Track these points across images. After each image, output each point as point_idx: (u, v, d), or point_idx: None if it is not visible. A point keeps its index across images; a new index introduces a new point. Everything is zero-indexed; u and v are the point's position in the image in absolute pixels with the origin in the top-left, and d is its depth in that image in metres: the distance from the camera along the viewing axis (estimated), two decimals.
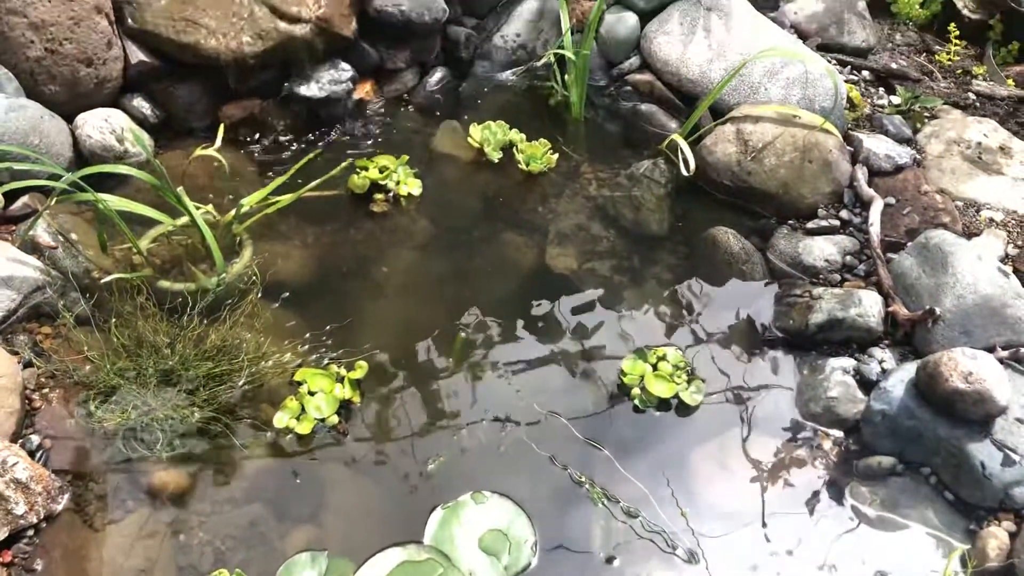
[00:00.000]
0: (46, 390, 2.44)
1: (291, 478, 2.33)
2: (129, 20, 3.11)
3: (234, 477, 2.34)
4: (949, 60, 3.80)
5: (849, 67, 3.66)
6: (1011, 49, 3.83)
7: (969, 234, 2.91)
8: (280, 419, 2.41)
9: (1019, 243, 2.92)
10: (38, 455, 2.27)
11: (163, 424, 2.37)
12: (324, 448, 2.39)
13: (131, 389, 2.43)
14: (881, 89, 3.61)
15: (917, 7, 3.97)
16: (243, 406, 2.46)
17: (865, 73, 3.65)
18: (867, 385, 2.49)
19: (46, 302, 2.60)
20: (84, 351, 2.50)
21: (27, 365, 2.46)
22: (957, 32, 3.85)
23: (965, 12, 3.94)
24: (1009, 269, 2.63)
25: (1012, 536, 2.19)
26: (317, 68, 3.28)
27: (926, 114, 3.46)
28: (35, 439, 2.30)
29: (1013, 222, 3.00)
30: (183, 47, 3.09)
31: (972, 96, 3.60)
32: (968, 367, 2.22)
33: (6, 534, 2.07)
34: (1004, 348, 2.47)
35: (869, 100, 3.50)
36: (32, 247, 2.71)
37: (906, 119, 3.39)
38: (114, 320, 2.56)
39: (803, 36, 3.72)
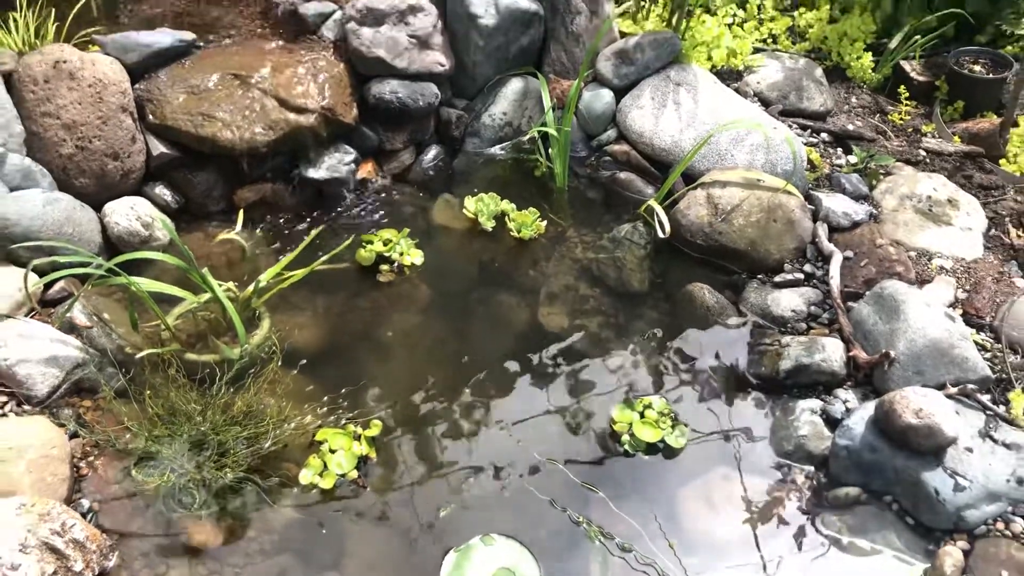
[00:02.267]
0: (91, 458, 2.68)
1: (317, 529, 2.58)
2: (150, 116, 3.41)
3: (265, 531, 2.58)
4: (901, 119, 4.13)
5: (809, 130, 3.98)
6: (956, 107, 4.17)
7: (921, 281, 3.21)
8: (305, 476, 2.66)
9: (967, 288, 3.21)
10: (88, 517, 2.51)
11: (199, 485, 2.62)
12: (345, 501, 2.64)
13: (168, 454, 2.67)
14: (839, 149, 3.94)
15: (870, 72, 4.31)
16: (270, 465, 2.71)
17: (824, 135, 3.98)
18: (833, 423, 2.76)
19: (86, 377, 2.86)
20: (123, 421, 2.75)
21: (73, 436, 2.71)
22: (907, 93, 4.19)
23: (913, 75, 4.29)
24: (956, 313, 2.92)
25: (966, 554, 2.45)
26: (322, 152, 3.59)
27: (881, 171, 3.77)
28: (85, 503, 2.55)
29: (961, 268, 3.30)
30: (201, 139, 3.39)
31: (923, 153, 3.93)
32: (918, 404, 2.50)
33: None
34: (953, 385, 2.75)
35: (828, 161, 3.82)
36: (70, 327, 2.98)
37: (863, 176, 3.71)
38: (148, 392, 2.81)
39: (765, 103, 4.05)
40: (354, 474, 2.68)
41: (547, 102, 3.78)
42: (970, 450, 2.58)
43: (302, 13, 3.69)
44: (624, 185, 3.78)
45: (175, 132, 3.42)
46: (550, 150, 3.80)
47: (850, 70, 4.34)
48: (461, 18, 3.76)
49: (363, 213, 3.65)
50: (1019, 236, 3.49)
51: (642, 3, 4.22)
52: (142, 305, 3.02)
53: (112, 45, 3.40)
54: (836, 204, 3.43)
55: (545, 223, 3.58)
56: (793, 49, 4.39)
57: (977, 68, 4.18)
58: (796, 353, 2.91)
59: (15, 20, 3.40)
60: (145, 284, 2.99)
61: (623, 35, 4.04)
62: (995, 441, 2.63)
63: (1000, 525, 2.49)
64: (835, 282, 3.12)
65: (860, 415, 2.67)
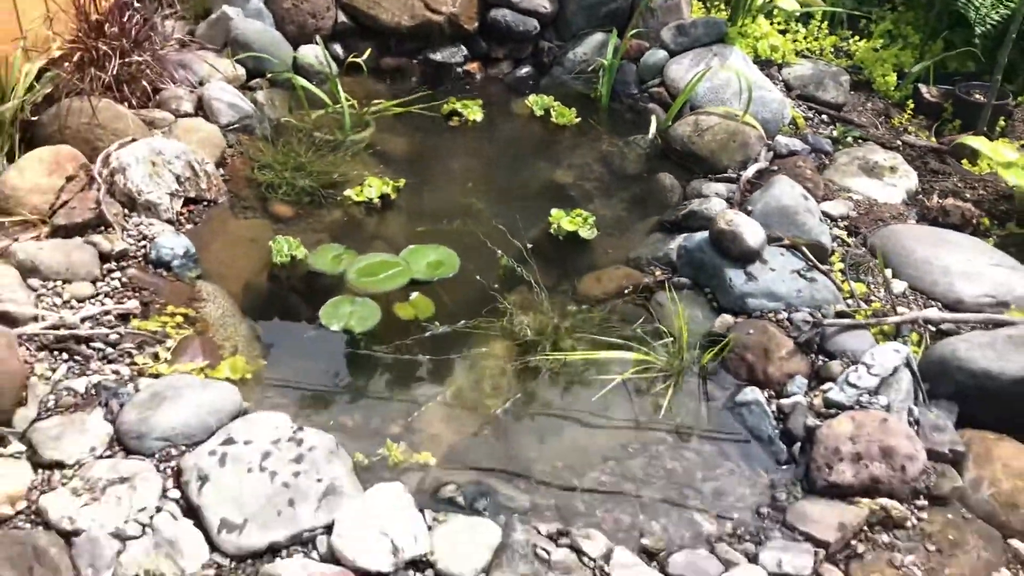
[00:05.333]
0: (235, 156, 4.38)
1: (346, 221, 4.09)
2: None
3: (316, 218, 4.12)
4: (900, 123, 5.10)
5: (813, 110, 5.07)
6: (955, 125, 5.07)
7: (824, 198, 4.24)
8: (347, 193, 4.19)
9: (860, 211, 4.21)
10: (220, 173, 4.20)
11: (288, 184, 4.22)
12: (367, 212, 4.15)
13: (277, 167, 4.30)
14: (830, 128, 4.99)
15: (892, 88, 5.31)
16: (332, 188, 4.27)
17: (824, 116, 5.05)
18: None
19: (250, 124, 4.58)
20: (259, 147, 4.44)
21: (229, 146, 4.43)
22: (913, 106, 5.16)
23: (927, 96, 5.24)
24: (811, 197, 3.97)
25: (736, 323, 3.51)
26: (445, 45, 5.21)
27: (856, 143, 4.79)
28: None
29: (864, 200, 4.29)
30: (369, 17, 5.13)
31: (899, 143, 4.89)
32: (730, 217, 3.61)
33: (193, 195, 3.96)
34: (789, 239, 3.81)
35: (813, 129, 4.90)
36: (252, 101, 4.73)
37: (836, 144, 4.75)
38: (282, 140, 4.49)
39: (788, 88, 5.18)
40: (377, 201, 4.17)
41: (611, 48, 5.17)
42: (773, 270, 3.64)
43: None
44: (651, 112, 5.06)
45: (356, 10, 5.17)
46: (603, 78, 5.18)
47: (875, 83, 5.36)
48: None
49: (459, 91, 5.21)
50: (939, 202, 4.39)
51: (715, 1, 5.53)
52: (298, 104, 4.73)
53: None
54: (785, 140, 4.54)
55: (579, 120, 4.96)
56: (835, 62, 5.47)
57: (979, 96, 5.08)
58: (692, 205, 4.08)
59: None
60: (303, 83, 4.71)
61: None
62: (803, 277, 3.66)
63: (772, 315, 3.53)
64: (745, 175, 4.25)
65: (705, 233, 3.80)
